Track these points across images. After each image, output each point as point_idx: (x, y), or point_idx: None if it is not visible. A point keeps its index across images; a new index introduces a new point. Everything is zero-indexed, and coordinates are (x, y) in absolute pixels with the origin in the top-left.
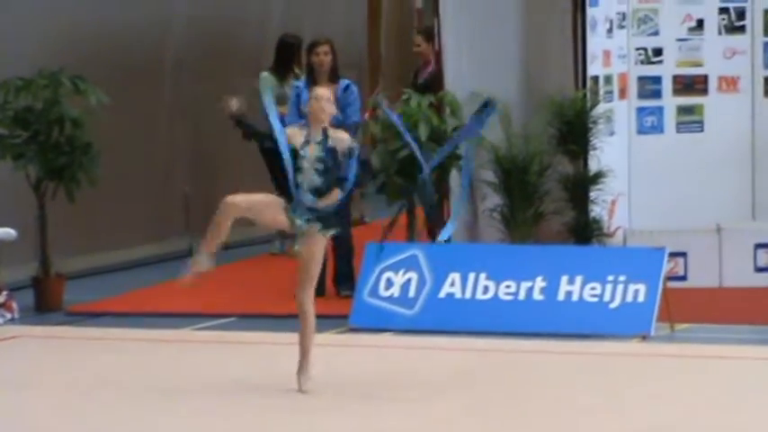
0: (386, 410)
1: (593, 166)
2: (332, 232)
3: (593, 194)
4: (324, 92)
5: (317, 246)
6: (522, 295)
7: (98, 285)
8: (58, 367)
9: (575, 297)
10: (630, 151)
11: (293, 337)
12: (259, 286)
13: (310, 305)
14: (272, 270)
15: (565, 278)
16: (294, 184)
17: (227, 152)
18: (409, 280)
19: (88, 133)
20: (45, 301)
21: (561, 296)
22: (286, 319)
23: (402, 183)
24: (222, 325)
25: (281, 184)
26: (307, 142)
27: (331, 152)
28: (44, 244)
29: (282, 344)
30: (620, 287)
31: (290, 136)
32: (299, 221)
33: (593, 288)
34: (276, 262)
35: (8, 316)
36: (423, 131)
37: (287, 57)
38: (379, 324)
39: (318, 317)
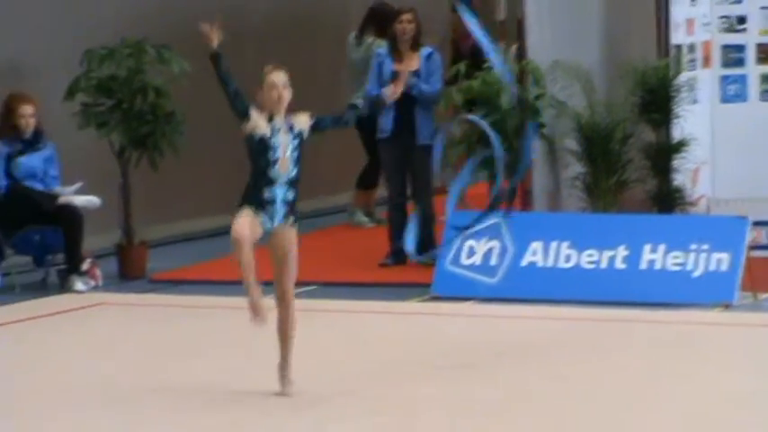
0: (469, 378)
1: (677, 134)
2: (297, 223)
3: (675, 163)
4: (281, 78)
5: (292, 240)
6: (604, 264)
7: (181, 253)
8: (140, 334)
9: (657, 266)
10: (714, 120)
11: (375, 305)
12: (340, 255)
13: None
14: (353, 239)
15: (647, 247)
16: (268, 180)
17: None
18: (491, 248)
19: (171, 102)
20: (128, 269)
21: (644, 265)
22: (367, 288)
23: (484, 151)
24: (304, 293)
25: (371, 148)
26: (276, 131)
27: (300, 138)
28: (127, 212)
29: (364, 312)
30: (702, 256)
31: (254, 125)
32: (275, 223)
33: (675, 257)
34: (357, 231)
35: (92, 283)
36: (504, 100)
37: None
38: (462, 292)
39: (400, 285)
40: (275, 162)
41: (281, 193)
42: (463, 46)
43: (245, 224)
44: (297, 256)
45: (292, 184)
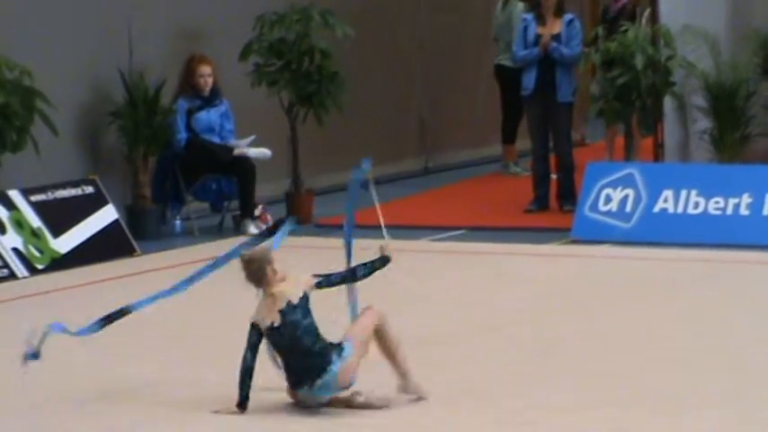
0: (605, 313)
1: None
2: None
3: None
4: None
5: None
6: (729, 210)
7: (343, 200)
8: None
9: None
10: None
11: (519, 248)
12: (489, 202)
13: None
14: (499, 188)
15: None
16: None
17: (461, 81)
18: (626, 196)
19: (335, 63)
20: (296, 214)
21: (766, 211)
22: (513, 232)
23: (619, 107)
24: (454, 236)
25: (509, 107)
26: None
27: None
28: (295, 163)
29: (509, 253)
30: None
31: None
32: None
33: None
34: (504, 180)
35: (263, 227)
36: (639, 61)
37: None
38: (599, 236)
39: (543, 229)
40: None
41: None
42: (613, 7)
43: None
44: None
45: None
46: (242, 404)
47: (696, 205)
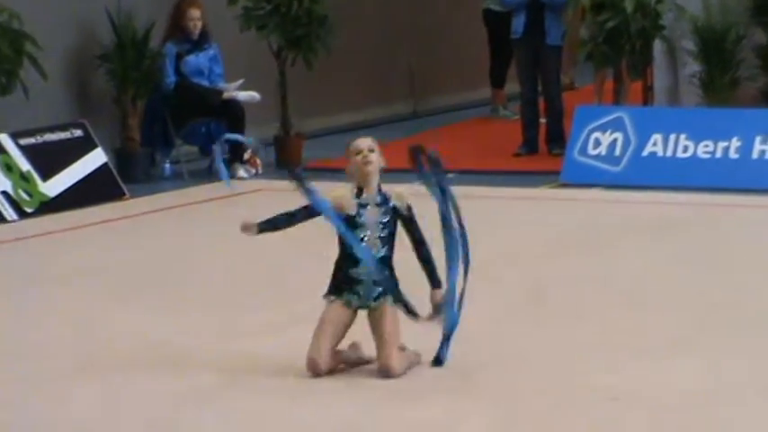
0: (593, 257)
1: None
2: (400, 303)
3: None
4: (366, 142)
5: (390, 321)
6: (718, 154)
7: (333, 143)
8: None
9: None
10: None
11: (509, 191)
12: (478, 145)
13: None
14: (488, 131)
15: (759, 138)
16: (354, 260)
17: (449, 25)
18: (615, 140)
19: (324, 6)
20: (285, 158)
21: (755, 155)
22: (502, 175)
23: (608, 51)
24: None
25: (498, 51)
26: (363, 206)
27: (393, 214)
28: (284, 107)
29: (499, 197)
30: None
31: (338, 206)
32: (366, 301)
33: None
34: (493, 124)
35: (253, 171)
36: (628, 4)
37: None
38: (588, 180)
39: (532, 173)
40: (361, 241)
41: (368, 273)
42: None
43: (320, 350)
44: (398, 333)
45: (383, 262)
46: (262, 226)
47: (685, 149)
